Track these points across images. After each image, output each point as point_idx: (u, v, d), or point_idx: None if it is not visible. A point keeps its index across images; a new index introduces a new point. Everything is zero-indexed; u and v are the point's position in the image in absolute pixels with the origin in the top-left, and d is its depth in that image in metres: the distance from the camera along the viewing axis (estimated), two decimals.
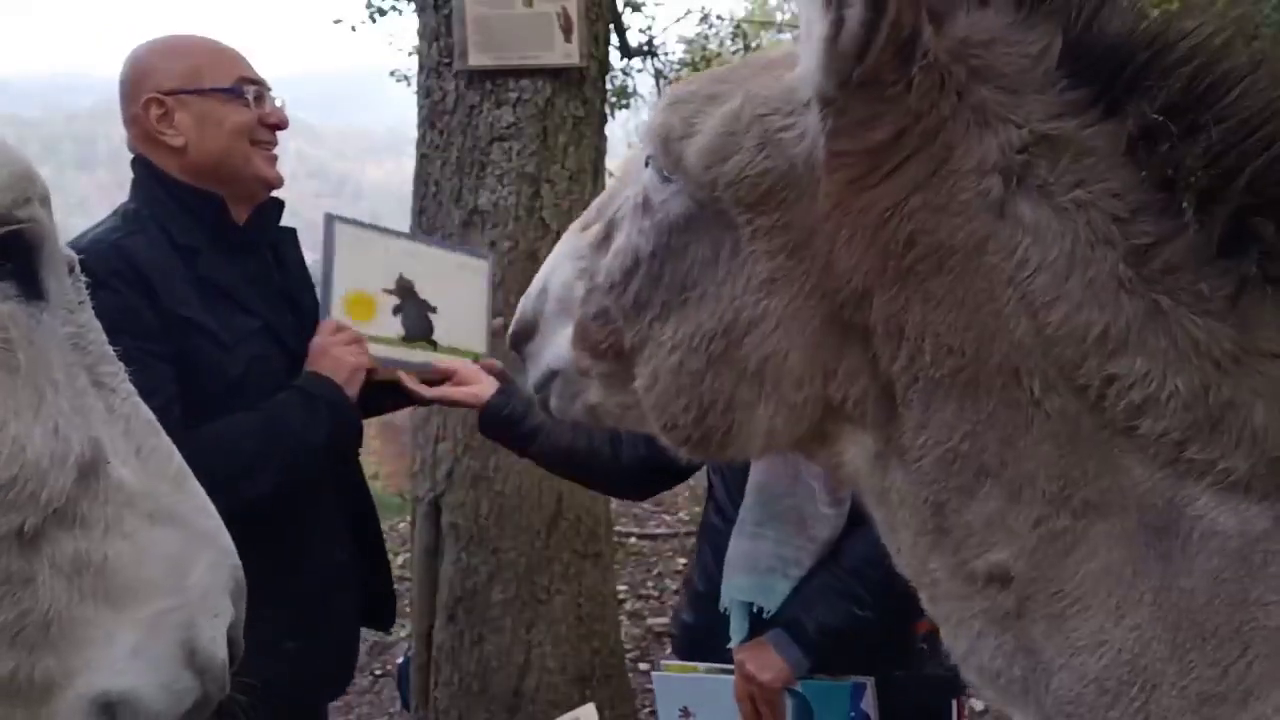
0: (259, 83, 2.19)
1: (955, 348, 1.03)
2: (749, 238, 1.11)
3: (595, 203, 1.45)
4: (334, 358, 2.11)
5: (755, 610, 1.89)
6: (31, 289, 1.04)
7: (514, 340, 1.51)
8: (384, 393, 2.28)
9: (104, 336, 1.16)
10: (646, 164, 1.23)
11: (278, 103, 2.24)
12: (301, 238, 2.42)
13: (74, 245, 1.49)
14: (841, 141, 1.05)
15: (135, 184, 2.14)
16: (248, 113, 2.14)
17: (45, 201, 1.07)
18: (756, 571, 1.89)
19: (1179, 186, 0.98)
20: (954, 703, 1.96)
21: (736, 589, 1.91)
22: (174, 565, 1.12)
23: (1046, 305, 1.00)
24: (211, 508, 1.21)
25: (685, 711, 1.93)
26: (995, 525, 1.04)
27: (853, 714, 1.83)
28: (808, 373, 1.11)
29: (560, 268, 1.41)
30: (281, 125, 2.21)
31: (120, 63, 2.17)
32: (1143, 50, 1.01)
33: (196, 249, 2.06)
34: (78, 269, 1.14)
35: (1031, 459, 1.02)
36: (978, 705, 3.88)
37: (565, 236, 1.46)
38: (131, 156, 2.16)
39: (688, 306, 1.16)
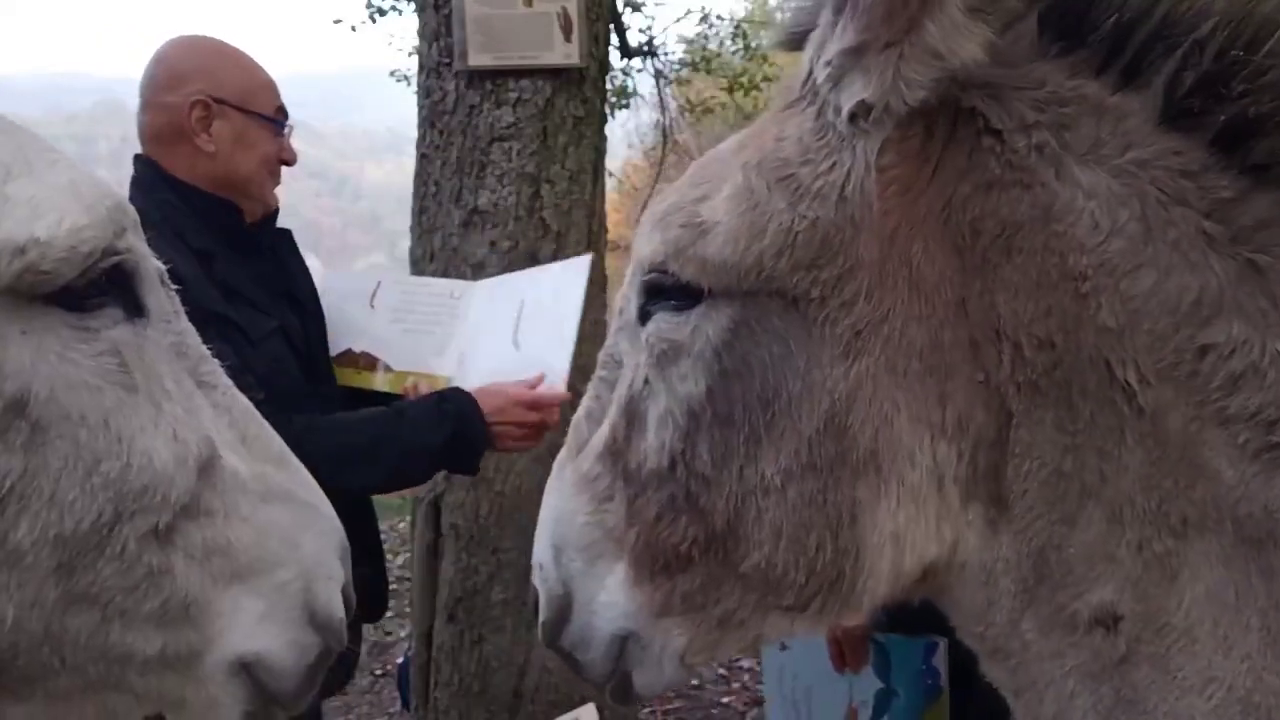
0: (287, 115, 2.28)
1: (1044, 339, 0.98)
2: (818, 301, 1.03)
3: (572, 430, 1.28)
4: (505, 408, 2.18)
5: None
6: (134, 308, 1.16)
7: (549, 635, 1.27)
8: None
9: (198, 338, 1.28)
10: (641, 321, 1.14)
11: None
12: (301, 237, 2.46)
13: None
14: (887, 154, 1.02)
15: (139, 185, 2.14)
16: (277, 144, 2.22)
17: (136, 227, 1.20)
18: None
19: (1242, 146, 0.95)
20: None
21: None
22: (288, 538, 1.27)
23: (1129, 273, 0.96)
24: (312, 481, 1.36)
25: (782, 645, 2.13)
26: (1097, 555, 0.98)
27: (924, 667, 1.99)
28: (917, 438, 1.02)
29: (568, 514, 1.22)
30: (291, 161, 2.30)
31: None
32: (1143, 14, 0.98)
33: (212, 253, 2.09)
34: (168, 279, 1.26)
35: (1128, 471, 0.97)
36: None
37: (552, 485, 1.27)
38: (134, 155, 2.17)
39: (779, 422, 1.03)
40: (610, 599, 1.16)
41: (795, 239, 1.03)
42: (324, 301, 2.40)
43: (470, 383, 2.31)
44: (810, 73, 1.08)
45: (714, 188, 1.09)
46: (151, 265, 1.21)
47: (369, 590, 2.45)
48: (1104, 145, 0.98)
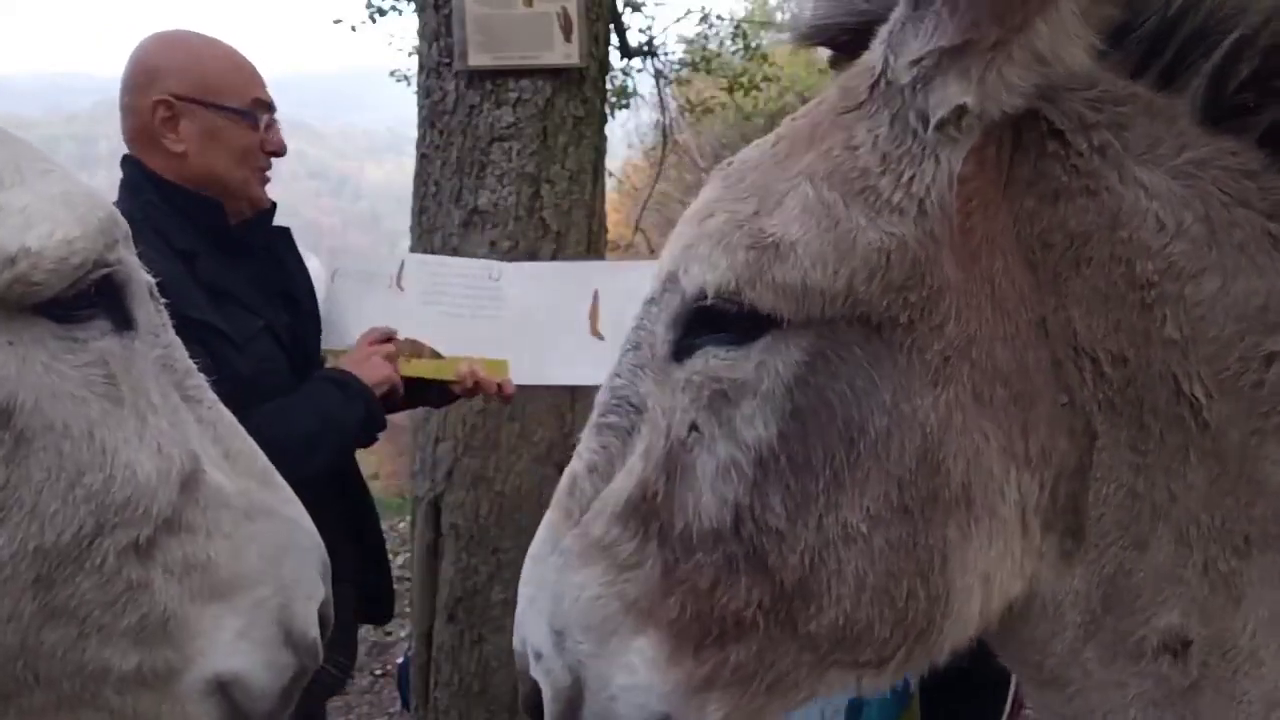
0: (269, 105, 2.19)
1: (1117, 354, 0.94)
2: (905, 326, 0.94)
3: (565, 491, 1.09)
4: (372, 365, 2.16)
5: None
6: (123, 321, 1.15)
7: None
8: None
9: (185, 353, 1.27)
10: (678, 357, 1.01)
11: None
12: (301, 237, 2.42)
13: None
14: (969, 164, 0.95)
15: (126, 185, 2.11)
16: (254, 136, 2.13)
17: (128, 239, 1.19)
18: None
19: None
20: None
21: None
22: (268, 555, 1.25)
23: (1194, 278, 0.93)
24: (295, 498, 1.34)
25: None
26: (1166, 578, 0.95)
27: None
28: (1004, 470, 0.95)
29: (573, 590, 1.04)
30: (280, 152, 2.21)
31: (120, 63, 2.17)
32: (1183, 14, 0.95)
33: (195, 253, 2.04)
34: (157, 293, 1.25)
35: (1193, 489, 0.94)
36: None
37: (543, 557, 1.10)
38: (123, 156, 2.14)
39: (864, 462, 0.93)
40: (635, 681, 1.00)
41: (888, 259, 0.94)
42: (338, 287, 2.34)
43: (538, 373, 2.33)
44: (883, 72, 0.97)
45: (768, 201, 0.98)
46: (142, 278, 1.21)
47: (375, 594, 2.45)
48: (1160, 145, 0.95)
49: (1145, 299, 0.94)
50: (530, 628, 1.11)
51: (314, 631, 1.30)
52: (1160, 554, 0.95)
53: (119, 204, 2.08)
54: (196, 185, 2.10)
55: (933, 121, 0.95)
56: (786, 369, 0.95)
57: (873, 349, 0.95)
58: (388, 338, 2.25)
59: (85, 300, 1.10)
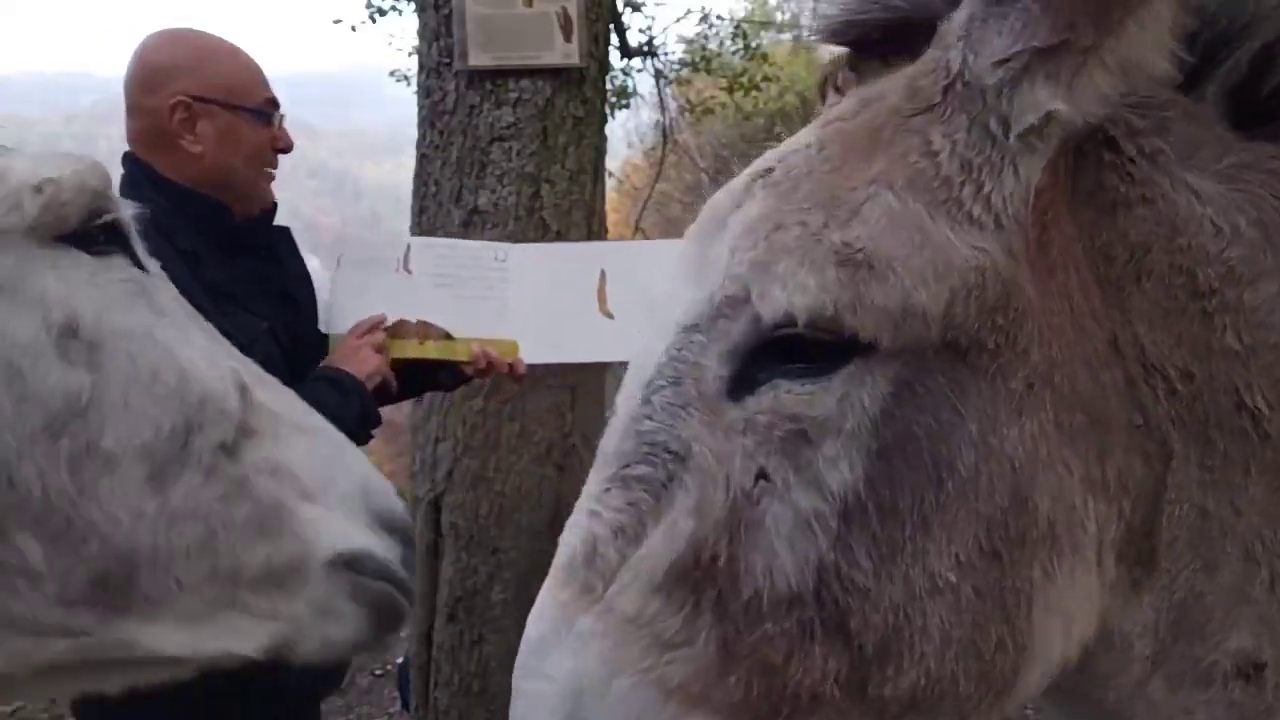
0: (277, 103, 2.21)
1: (1183, 369, 0.90)
2: (991, 352, 0.86)
3: (583, 559, 0.91)
4: (361, 357, 2.17)
5: None
6: (138, 264, 1.27)
7: None
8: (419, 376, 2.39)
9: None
10: (734, 394, 0.87)
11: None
12: (301, 237, 2.42)
13: None
14: (1044, 175, 0.89)
15: (128, 184, 2.09)
16: (267, 135, 2.16)
17: (118, 197, 1.31)
18: None
19: None
20: None
21: None
22: (334, 462, 1.35)
23: (1251, 283, 0.90)
24: (317, 413, 1.45)
25: None
26: (1235, 599, 0.91)
27: None
28: (1084, 501, 0.88)
29: (602, 677, 0.86)
30: (288, 149, 2.23)
31: (120, 63, 2.17)
32: (1209, 20, 0.93)
33: (198, 253, 2.04)
34: (149, 258, 1.36)
35: (1255, 503, 0.91)
36: None
37: (558, 639, 0.91)
38: (123, 154, 2.13)
39: (952, 504, 0.84)
40: None
41: (984, 278, 0.85)
42: (345, 272, 2.33)
43: (549, 352, 2.33)
44: (960, 72, 0.90)
45: (839, 212, 0.87)
46: (138, 240, 1.33)
47: None
48: (1202, 150, 0.92)
49: (1206, 308, 0.90)
50: None
51: (403, 511, 1.42)
52: (1229, 573, 0.90)
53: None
54: (208, 186, 2.10)
55: (1017, 129, 0.88)
56: (873, 403, 0.84)
57: (958, 378, 0.86)
58: (376, 326, 2.26)
59: (102, 237, 1.22)
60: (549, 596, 0.95)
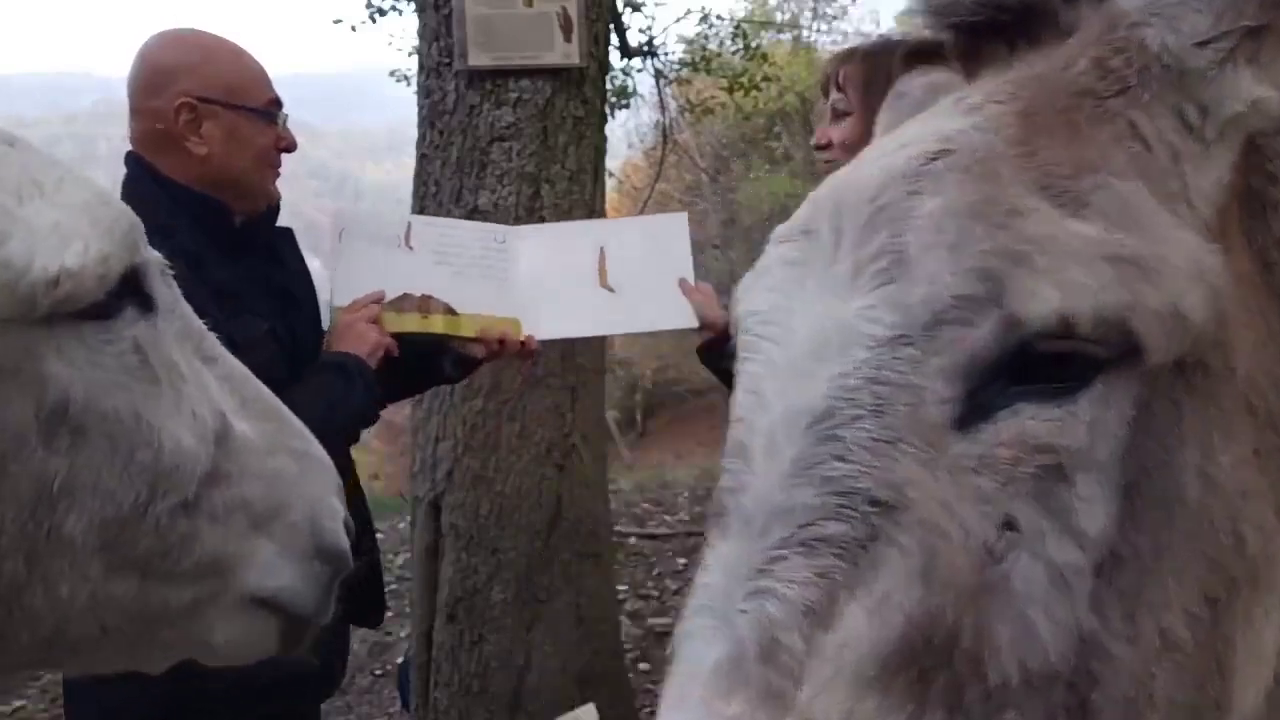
0: (280, 103, 2.20)
1: None
2: (1204, 369, 0.75)
3: (760, 655, 0.63)
4: (358, 334, 2.16)
5: None
6: (146, 303, 1.25)
7: None
8: (420, 369, 2.37)
9: (196, 318, 1.38)
10: (961, 425, 0.69)
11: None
12: (301, 238, 2.42)
13: None
14: (1233, 169, 0.81)
15: (130, 184, 2.08)
16: (272, 135, 2.16)
17: (144, 236, 1.29)
18: None
19: None
20: None
21: None
22: (293, 485, 1.39)
23: None
24: (305, 430, 1.49)
25: None
26: None
27: None
28: (1275, 530, 0.77)
29: None
30: (292, 149, 2.22)
31: (120, 63, 2.17)
32: None
33: (201, 255, 2.03)
34: (167, 271, 1.35)
35: None
36: None
37: None
38: (126, 153, 2.13)
39: (1183, 544, 0.72)
40: None
41: (1219, 282, 0.74)
42: (347, 246, 2.31)
43: (555, 327, 2.35)
44: (1158, 52, 0.79)
45: (1065, 201, 0.74)
46: (156, 258, 1.31)
47: (370, 601, 2.41)
48: None
49: None
50: None
51: (343, 541, 1.46)
52: None
53: (123, 200, 2.15)
54: (211, 186, 2.09)
55: (1218, 117, 0.78)
56: (1120, 429, 0.71)
57: (1178, 400, 0.74)
58: (374, 301, 2.25)
59: (116, 298, 1.20)
60: (710, 709, 0.64)
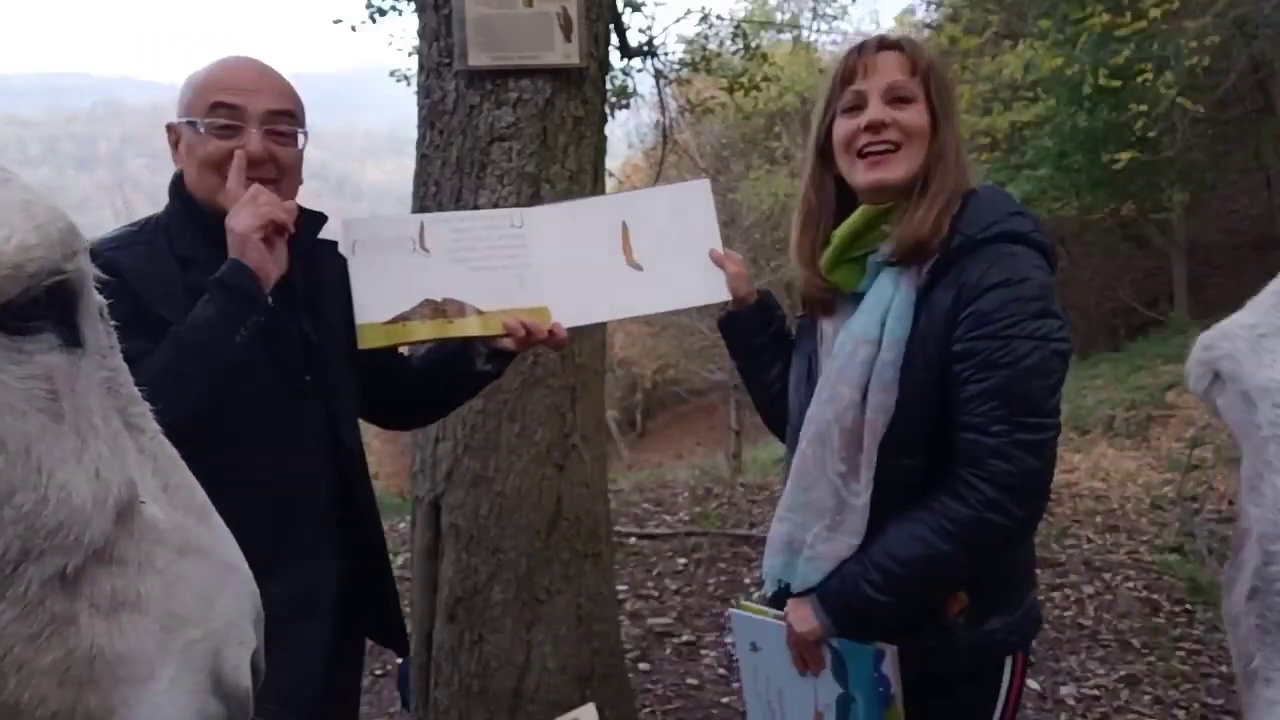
0: (234, 109, 2.03)
1: None
2: None
3: None
4: (239, 217, 1.96)
5: (784, 585, 2.10)
6: (71, 337, 1.08)
7: None
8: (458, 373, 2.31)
9: (131, 379, 1.20)
10: None
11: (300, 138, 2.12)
12: None
13: None
14: None
15: (170, 194, 2.16)
16: (212, 144, 2.03)
17: (85, 252, 1.11)
18: (783, 552, 2.10)
19: None
20: (1011, 659, 2.08)
21: (769, 566, 2.13)
22: (202, 596, 1.18)
23: None
24: (232, 540, 1.27)
25: (754, 646, 2.20)
26: None
27: (876, 674, 2.03)
28: None
29: None
30: (255, 157, 2.03)
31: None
32: None
33: (195, 259, 2.01)
34: (107, 314, 1.18)
35: None
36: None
37: None
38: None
39: None
40: None
41: None
42: (360, 259, 2.19)
43: (583, 312, 2.25)
44: None
45: None
46: (94, 297, 1.15)
47: (381, 615, 2.37)
48: None
49: None
50: None
51: (246, 681, 1.23)
52: None
53: (161, 211, 2.13)
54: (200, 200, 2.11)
55: None
56: None
57: None
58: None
59: (36, 311, 1.03)
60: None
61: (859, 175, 2.05)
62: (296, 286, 2.13)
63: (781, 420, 2.31)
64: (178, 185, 2.12)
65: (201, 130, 2.03)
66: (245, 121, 2.03)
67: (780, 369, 2.31)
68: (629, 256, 2.27)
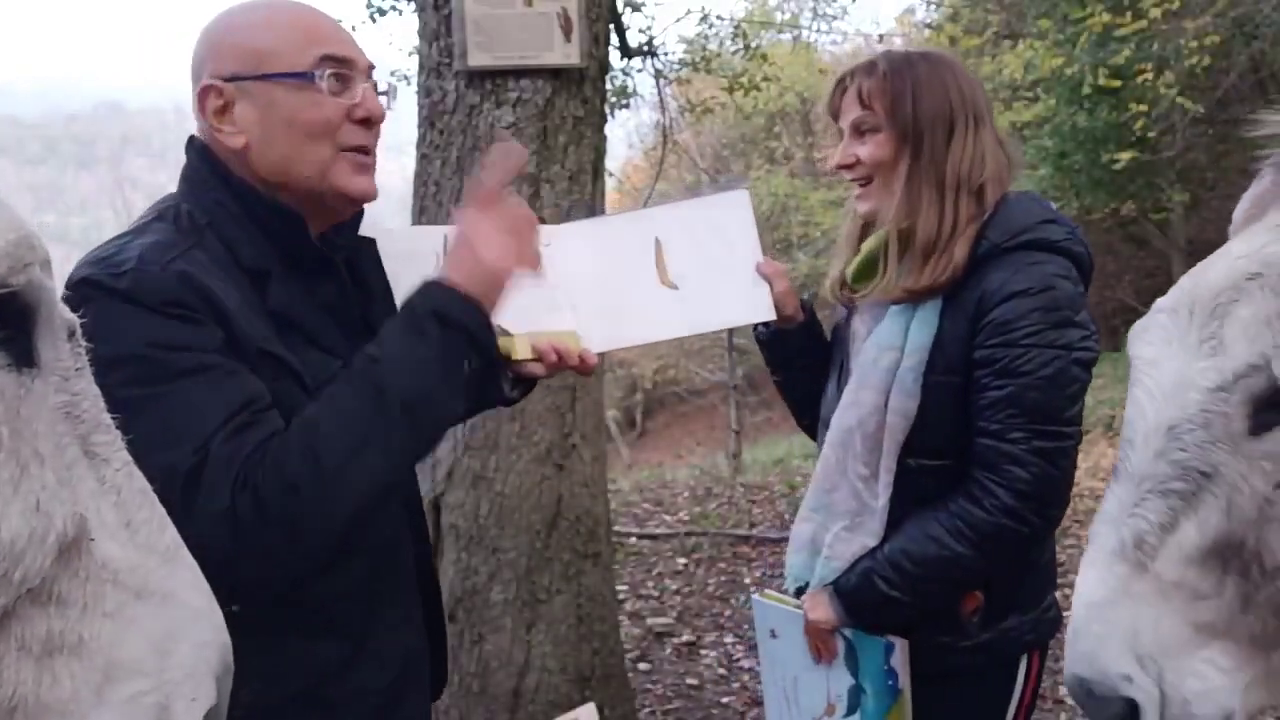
0: (346, 61, 1.63)
1: None
2: None
3: (1132, 543, 1.24)
4: (481, 246, 1.62)
5: (805, 584, 2.13)
6: (24, 356, 0.98)
7: None
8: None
9: (101, 405, 1.09)
10: (1253, 434, 1.20)
11: (380, 88, 1.70)
12: None
13: (116, 259, 1.46)
14: None
15: (191, 179, 1.65)
16: (326, 103, 1.60)
17: (46, 266, 1.02)
18: (804, 551, 2.14)
19: None
20: (1027, 657, 2.08)
21: (790, 565, 2.18)
22: (156, 644, 1.06)
23: None
24: (204, 583, 1.13)
25: (773, 633, 2.24)
26: None
27: (885, 667, 2.05)
28: None
29: (1151, 620, 1.22)
30: (374, 118, 1.67)
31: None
32: None
33: (267, 272, 1.60)
34: (78, 333, 1.08)
35: None
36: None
37: (1114, 600, 1.24)
38: (189, 138, 1.69)
39: None
40: (1207, 686, 1.22)
41: None
42: (389, 270, 1.93)
43: (615, 336, 2.06)
44: None
45: None
46: (60, 314, 1.04)
47: (431, 664, 1.89)
48: None
49: None
50: (1113, 659, 1.24)
51: None
52: None
53: (177, 199, 1.61)
54: (276, 187, 1.62)
55: None
56: None
57: None
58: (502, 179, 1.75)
59: None
60: (1106, 571, 1.25)
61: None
62: (352, 307, 1.76)
63: (814, 421, 2.31)
64: (220, 169, 1.62)
65: (322, 85, 1.59)
66: (354, 76, 1.64)
67: (820, 376, 2.29)
68: (663, 276, 2.12)
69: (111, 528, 1.05)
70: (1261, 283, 1.23)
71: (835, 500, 2.06)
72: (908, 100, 1.97)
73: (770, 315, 2.11)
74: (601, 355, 2.14)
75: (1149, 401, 1.27)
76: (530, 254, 1.64)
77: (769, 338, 2.29)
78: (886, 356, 1.98)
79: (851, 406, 2.03)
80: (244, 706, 1.35)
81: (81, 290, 1.42)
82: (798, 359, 2.29)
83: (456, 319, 1.53)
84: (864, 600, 2.01)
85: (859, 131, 2.03)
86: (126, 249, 1.49)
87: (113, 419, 1.10)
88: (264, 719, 1.46)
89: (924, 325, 1.96)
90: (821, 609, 2.07)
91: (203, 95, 1.60)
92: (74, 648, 0.99)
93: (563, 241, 2.13)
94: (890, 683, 2.05)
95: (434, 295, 1.55)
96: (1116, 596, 1.24)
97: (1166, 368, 1.27)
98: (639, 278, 2.11)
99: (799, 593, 2.18)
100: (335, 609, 1.59)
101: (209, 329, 1.45)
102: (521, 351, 1.95)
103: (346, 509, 1.42)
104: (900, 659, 2.05)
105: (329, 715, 1.59)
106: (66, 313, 1.06)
